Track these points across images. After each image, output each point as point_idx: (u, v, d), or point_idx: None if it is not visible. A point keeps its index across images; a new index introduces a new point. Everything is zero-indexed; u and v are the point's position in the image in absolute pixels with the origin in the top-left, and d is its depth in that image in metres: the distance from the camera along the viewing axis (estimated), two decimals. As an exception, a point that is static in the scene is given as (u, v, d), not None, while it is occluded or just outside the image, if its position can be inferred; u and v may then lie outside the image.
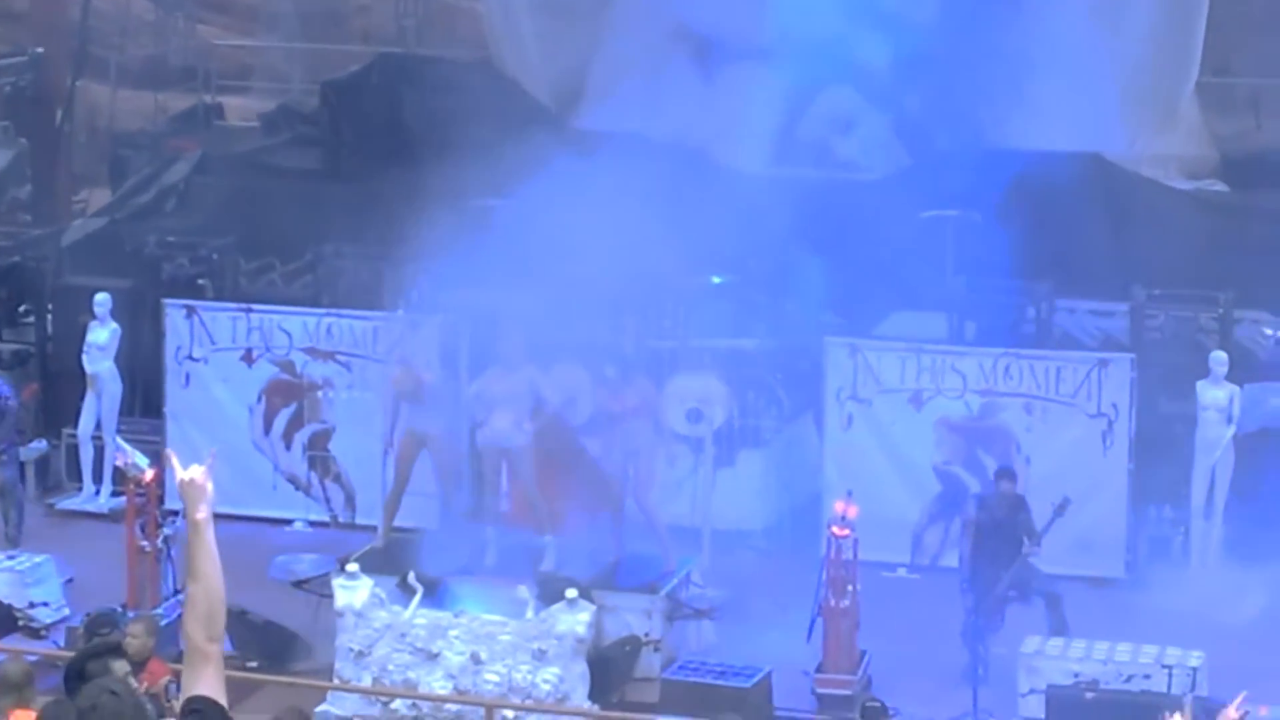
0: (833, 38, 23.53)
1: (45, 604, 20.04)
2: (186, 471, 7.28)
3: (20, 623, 19.32)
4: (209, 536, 7.20)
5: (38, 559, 20.65)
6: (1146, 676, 17.90)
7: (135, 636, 14.87)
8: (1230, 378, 20.86)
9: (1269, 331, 22.11)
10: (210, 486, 7.23)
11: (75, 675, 10.80)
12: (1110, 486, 21.08)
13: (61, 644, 18.42)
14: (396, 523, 20.46)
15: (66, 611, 19.73)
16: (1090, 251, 20.91)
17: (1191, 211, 21.68)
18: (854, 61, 23.89)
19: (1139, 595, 20.37)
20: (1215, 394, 20.81)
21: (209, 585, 7.18)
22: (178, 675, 14.39)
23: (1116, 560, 21.07)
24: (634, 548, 19.50)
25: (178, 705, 9.40)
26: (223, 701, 7.17)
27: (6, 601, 19.16)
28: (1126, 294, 22.14)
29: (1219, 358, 20.86)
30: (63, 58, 30.80)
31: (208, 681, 7.14)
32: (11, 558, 20.47)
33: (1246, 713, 9.30)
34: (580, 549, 19.33)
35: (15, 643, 18.08)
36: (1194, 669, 17.83)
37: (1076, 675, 18.00)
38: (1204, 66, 23.81)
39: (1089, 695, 17.71)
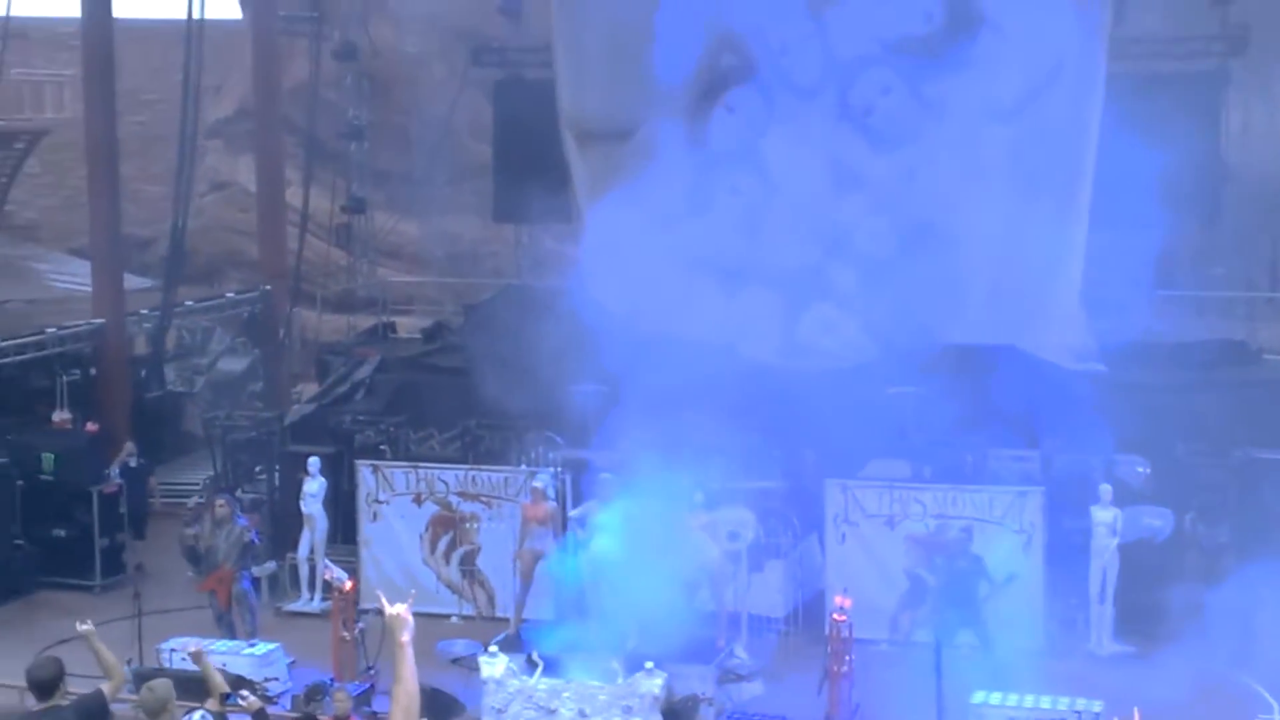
0: (816, 267, 23.50)
1: (276, 679, 19.82)
2: (394, 608, 7.15)
3: (258, 692, 19.09)
4: (409, 654, 7.09)
5: (270, 646, 20.44)
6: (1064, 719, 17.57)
7: (340, 701, 15.03)
8: (1114, 503, 20.60)
9: (1140, 469, 21.76)
10: (411, 619, 7.11)
11: None
12: (1030, 582, 20.74)
13: (287, 708, 18.18)
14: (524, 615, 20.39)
15: (290, 684, 19.49)
16: (1010, 414, 20.48)
17: (1079, 384, 21.36)
18: (832, 283, 23.78)
19: (1054, 661, 19.95)
20: (1103, 515, 20.51)
21: (409, 688, 7.08)
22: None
23: (1037, 634, 20.69)
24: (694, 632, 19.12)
25: None
26: None
27: (249, 677, 18.95)
28: (1037, 444, 21.87)
29: (1105, 489, 20.58)
30: (283, 292, 30.94)
31: None
32: (251, 646, 20.27)
33: None
34: (655, 633, 19.04)
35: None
36: (1097, 713, 17.48)
37: (1012, 719, 17.67)
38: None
39: (1021, 737, 17.36)
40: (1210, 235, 23.86)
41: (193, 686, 12.71)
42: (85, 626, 12.61)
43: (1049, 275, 23.24)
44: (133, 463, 25.89)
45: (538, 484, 20.72)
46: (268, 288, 31.01)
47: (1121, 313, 23.00)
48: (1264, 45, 23.30)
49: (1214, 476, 19.82)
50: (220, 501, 21.50)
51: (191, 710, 9.87)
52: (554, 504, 20.76)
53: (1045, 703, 17.63)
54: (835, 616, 18.23)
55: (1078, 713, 17.24)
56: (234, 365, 31.77)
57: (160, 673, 14.91)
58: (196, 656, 12.91)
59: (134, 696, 11.67)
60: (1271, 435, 20.55)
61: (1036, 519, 20.72)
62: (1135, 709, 7.94)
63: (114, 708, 11.67)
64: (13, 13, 26.80)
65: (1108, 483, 20.70)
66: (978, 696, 17.88)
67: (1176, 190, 22.18)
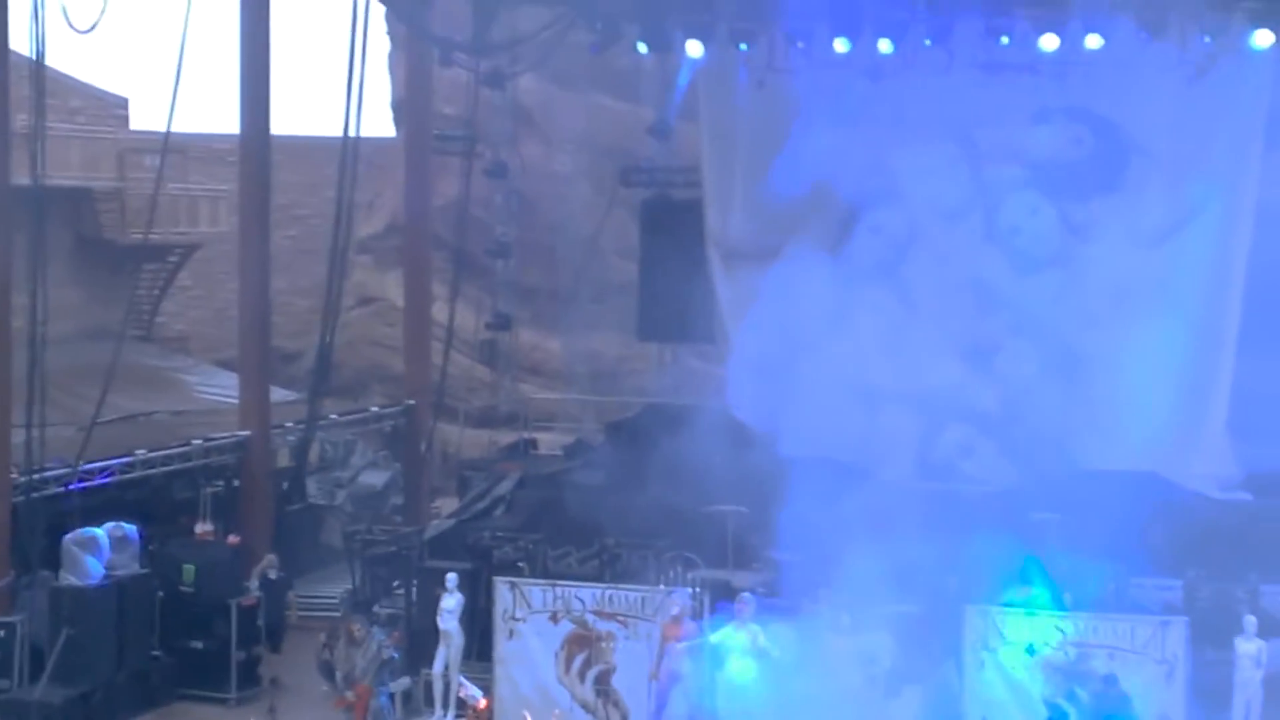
0: (956, 385, 23.60)
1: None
2: None
3: None
4: None
5: (406, 761, 20.90)
6: None
7: None
8: (1259, 634, 20.49)
9: (1287, 600, 21.72)
10: None
11: None
12: (1173, 714, 20.51)
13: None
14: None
15: None
16: (1153, 543, 20.44)
17: (1224, 513, 21.33)
18: (971, 404, 23.84)
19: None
20: (1247, 647, 20.42)
21: None
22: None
23: (1184, 770, 20.59)
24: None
25: None
26: None
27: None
28: (1181, 573, 21.85)
29: (1250, 620, 20.50)
30: (426, 407, 31.43)
31: None
32: (386, 764, 20.69)
33: None
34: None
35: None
36: None
37: None
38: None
39: None
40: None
41: None
42: None
43: (1194, 402, 23.24)
44: (273, 575, 26.43)
45: (676, 606, 20.85)
46: (411, 402, 31.50)
47: (1268, 440, 22.97)
48: None
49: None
50: (355, 624, 21.98)
51: None
52: (694, 624, 20.87)
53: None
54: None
55: None
56: (375, 479, 32.21)
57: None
58: None
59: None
60: None
61: (1179, 649, 20.51)
62: None
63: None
64: (173, 129, 27.68)
65: (1253, 614, 20.61)
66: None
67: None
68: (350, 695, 22.00)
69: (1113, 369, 23.04)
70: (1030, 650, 20.46)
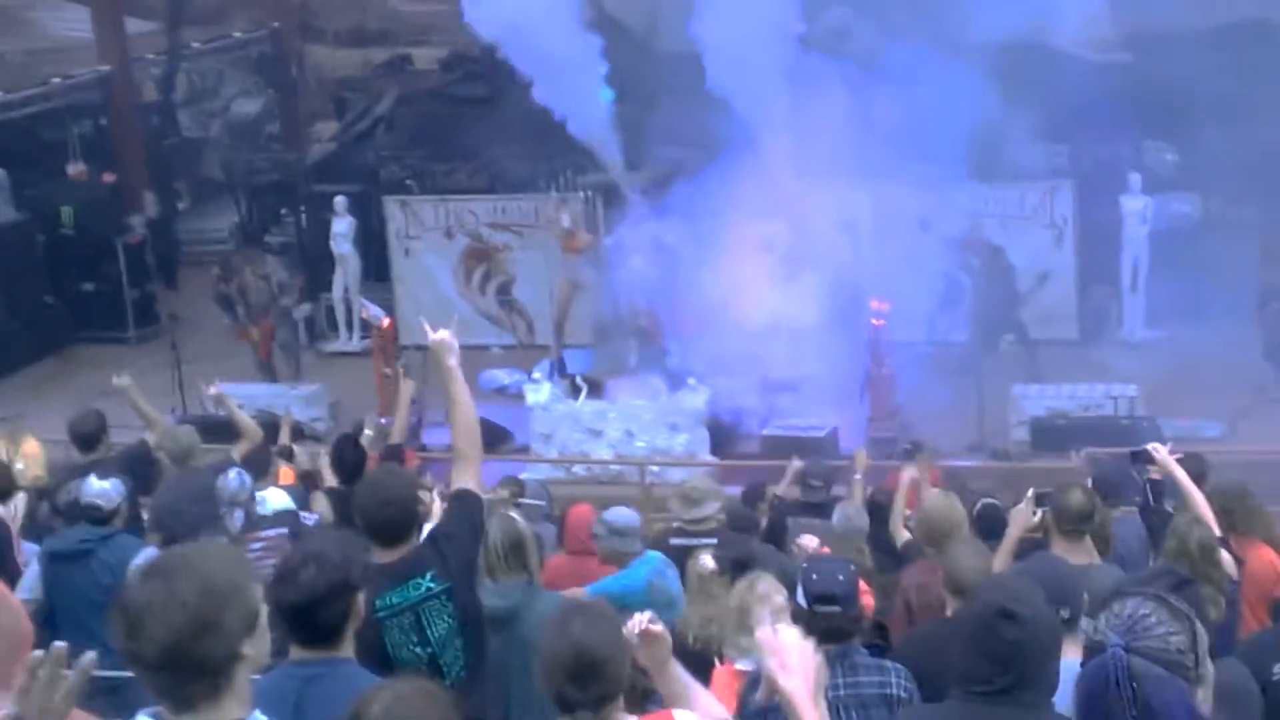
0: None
1: (320, 419, 20.72)
2: (437, 334, 7.17)
3: (306, 433, 19.31)
4: (459, 377, 7.13)
5: (313, 387, 21.37)
6: (1100, 406, 18.51)
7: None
8: (1143, 191, 21.16)
9: (1168, 157, 22.35)
10: (455, 343, 7.16)
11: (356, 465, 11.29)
12: (1063, 274, 21.50)
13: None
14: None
15: (333, 424, 20.17)
16: (1036, 111, 20.76)
17: (1103, 74, 21.61)
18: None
19: (1089, 350, 20.88)
20: (1133, 204, 21.16)
21: (465, 410, 7.11)
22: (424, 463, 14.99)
23: (1072, 326, 21.54)
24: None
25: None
26: (479, 493, 7.10)
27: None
28: (1067, 137, 22.31)
29: (1135, 178, 21.17)
30: (293, 29, 31.03)
31: (469, 477, 7.04)
32: (294, 389, 21.14)
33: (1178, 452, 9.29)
34: (697, 350, 19.80)
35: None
36: (1132, 397, 18.46)
37: (1050, 409, 18.63)
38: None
39: (1060, 422, 18.32)
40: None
41: (229, 433, 12.87)
42: (122, 380, 13.15)
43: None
44: (154, 212, 26.50)
45: (566, 217, 20.98)
46: (275, 25, 31.12)
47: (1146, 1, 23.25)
48: None
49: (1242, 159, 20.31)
50: (252, 257, 22.23)
51: (228, 466, 10.24)
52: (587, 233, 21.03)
53: (1082, 390, 18.63)
54: (873, 320, 19.00)
55: (1114, 398, 18.25)
56: (249, 107, 32.04)
57: (203, 421, 15.63)
58: (218, 399, 13.24)
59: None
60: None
61: (1067, 212, 21.41)
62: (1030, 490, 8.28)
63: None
64: None
65: (1137, 171, 21.29)
66: (1016, 389, 18.88)
67: None
68: (253, 329, 22.34)
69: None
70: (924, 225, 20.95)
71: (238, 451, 11.93)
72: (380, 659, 6.46)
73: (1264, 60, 21.58)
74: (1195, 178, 21.94)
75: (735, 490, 12.64)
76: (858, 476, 12.23)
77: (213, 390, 13.55)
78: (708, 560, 8.82)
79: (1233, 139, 19.87)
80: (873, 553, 10.42)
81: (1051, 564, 6.76)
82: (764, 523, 11.36)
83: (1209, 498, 8.61)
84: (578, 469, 19.07)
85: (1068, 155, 22.28)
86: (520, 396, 20.04)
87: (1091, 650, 4.41)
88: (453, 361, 7.13)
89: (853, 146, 19.52)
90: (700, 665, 8.60)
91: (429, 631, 6.77)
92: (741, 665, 7.21)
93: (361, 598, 5.68)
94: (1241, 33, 23.34)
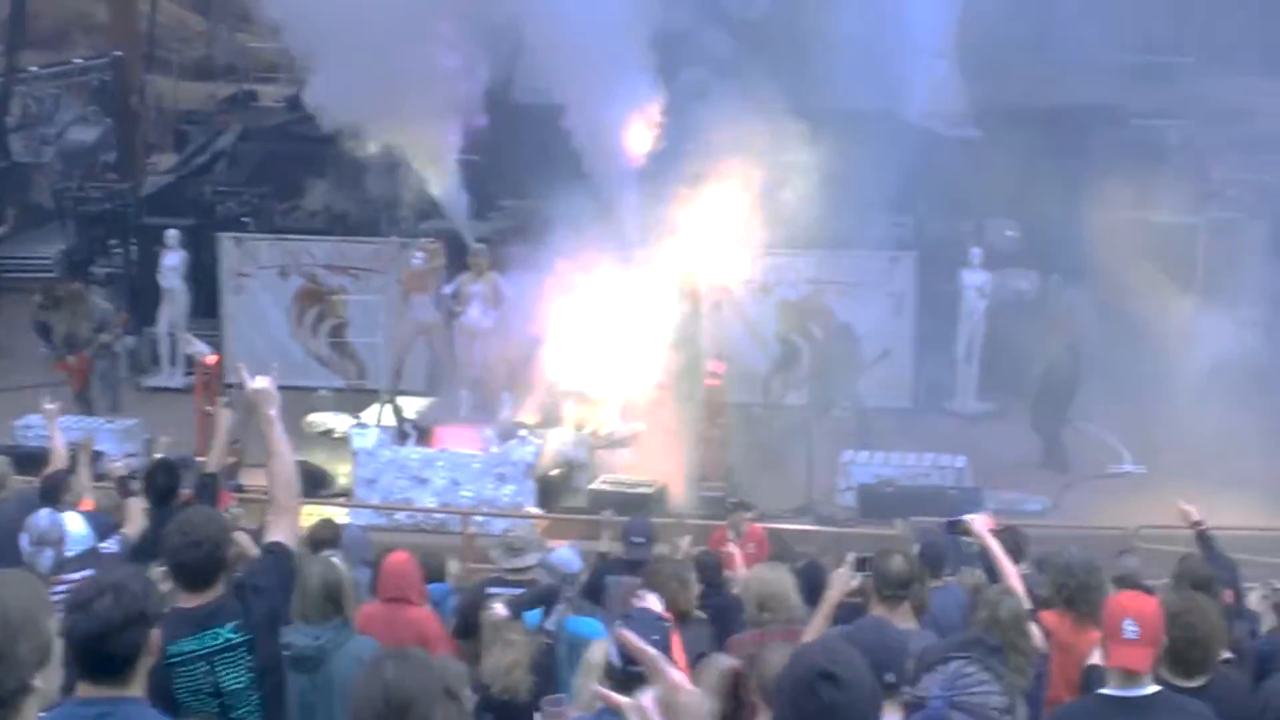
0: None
1: (134, 454, 20.09)
2: (256, 382, 7.08)
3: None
4: (279, 428, 7.03)
5: (130, 421, 20.83)
6: (928, 475, 18.59)
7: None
8: (983, 267, 21.40)
9: (1009, 233, 22.60)
10: (276, 392, 7.07)
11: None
12: (900, 344, 21.63)
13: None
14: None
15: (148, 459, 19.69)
16: (883, 179, 20.95)
17: (952, 149, 21.89)
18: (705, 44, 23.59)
19: (921, 419, 21.02)
20: (973, 278, 21.40)
21: (284, 460, 7.02)
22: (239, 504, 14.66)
23: (906, 395, 21.68)
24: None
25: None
26: (292, 545, 6.98)
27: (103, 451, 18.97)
28: (911, 209, 22.53)
29: (976, 252, 21.41)
30: (136, 58, 30.59)
31: (285, 530, 6.96)
32: (111, 422, 20.66)
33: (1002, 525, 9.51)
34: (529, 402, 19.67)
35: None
36: (960, 468, 18.56)
37: (879, 475, 18.67)
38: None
39: (888, 490, 18.36)
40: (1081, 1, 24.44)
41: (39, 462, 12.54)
42: None
43: (922, 39, 23.52)
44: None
45: (417, 256, 20.82)
46: (118, 53, 30.70)
47: (995, 77, 23.59)
48: None
49: (1081, 239, 20.63)
50: (75, 284, 21.75)
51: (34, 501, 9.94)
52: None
53: (911, 459, 18.73)
54: (708, 381, 18.96)
55: (942, 468, 18.35)
56: (85, 135, 31.41)
57: (12, 451, 15.15)
58: (48, 414, 12.74)
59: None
60: (1138, 197, 21.40)
61: (908, 283, 21.58)
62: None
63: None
64: None
65: (978, 246, 21.52)
66: (846, 455, 18.92)
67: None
68: (71, 359, 21.80)
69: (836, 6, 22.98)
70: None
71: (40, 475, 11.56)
72: (168, 704, 6.25)
73: (1104, 142, 21.98)
74: (1035, 255, 22.13)
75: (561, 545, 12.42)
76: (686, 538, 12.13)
77: (49, 405, 13.17)
78: (499, 607, 8.67)
79: (1073, 219, 20.20)
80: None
81: (878, 629, 6.66)
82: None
83: (1055, 571, 8.65)
84: (400, 517, 18.71)
85: (911, 226, 22.39)
86: (346, 440, 19.69)
87: (912, 707, 4.43)
88: (272, 411, 7.02)
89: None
90: (508, 713, 8.46)
91: (223, 682, 6.58)
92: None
93: (158, 633, 5.47)
94: (1084, 114, 23.76)
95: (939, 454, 18.77)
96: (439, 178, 20.84)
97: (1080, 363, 19.89)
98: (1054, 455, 19.80)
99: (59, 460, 12.01)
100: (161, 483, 10.98)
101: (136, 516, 10.48)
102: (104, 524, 10.63)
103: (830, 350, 20.97)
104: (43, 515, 9.52)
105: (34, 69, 30.78)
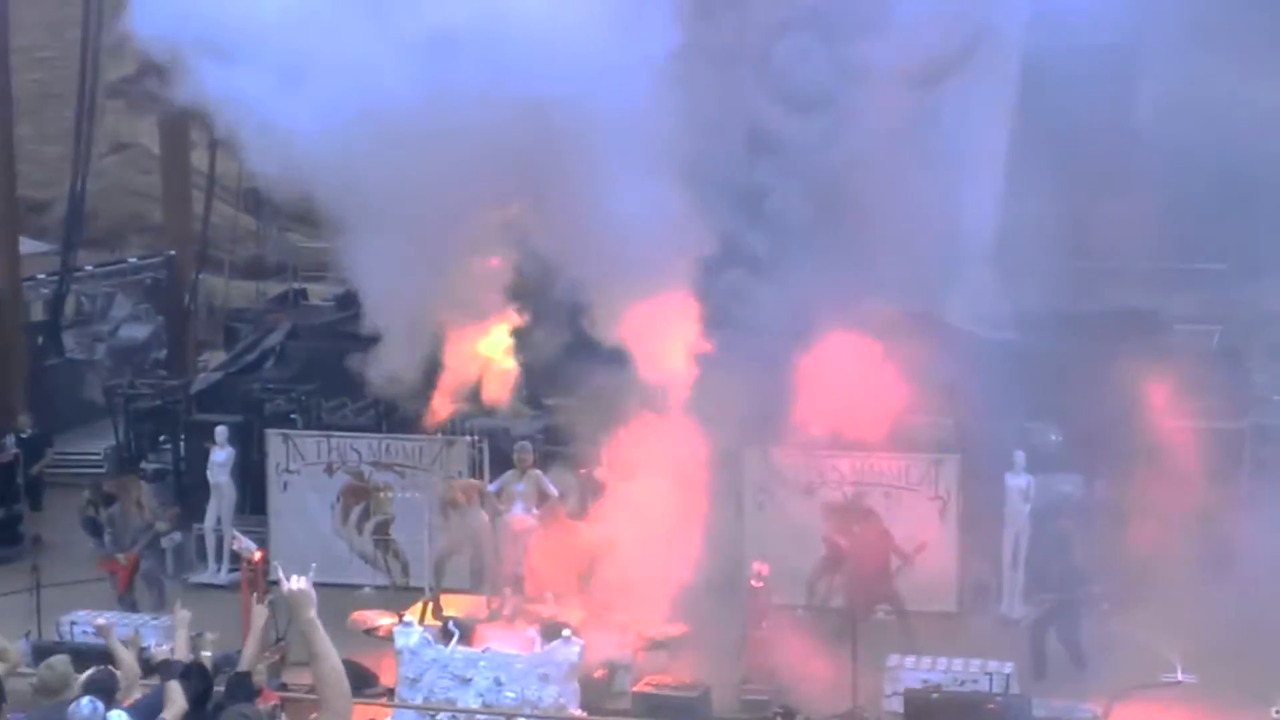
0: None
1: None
2: (293, 582, 7.10)
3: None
4: (319, 628, 7.02)
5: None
6: (975, 681, 18.35)
7: (258, 673, 15.20)
8: (1027, 469, 21.38)
9: (1053, 437, 22.54)
10: (313, 592, 7.07)
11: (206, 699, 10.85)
12: (945, 546, 21.49)
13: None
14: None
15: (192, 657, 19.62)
16: (930, 382, 21.00)
17: (992, 351, 21.94)
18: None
19: (967, 623, 20.86)
20: (1016, 481, 21.37)
21: (331, 663, 7.03)
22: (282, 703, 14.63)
23: (951, 599, 21.54)
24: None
25: None
26: None
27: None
28: (953, 411, 22.43)
29: (1019, 455, 21.40)
30: (189, 258, 31.09)
31: None
32: (156, 619, 20.62)
33: None
34: (573, 602, 19.57)
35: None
36: (1007, 674, 18.32)
37: (925, 681, 18.45)
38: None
39: (935, 696, 18.13)
40: (1124, 206, 24.60)
41: (94, 661, 12.19)
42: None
43: (963, 242, 23.75)
44: (27, 433, 26.08)
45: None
46: (172, 253, 31.15)
47: (1036, 281, 23.70)
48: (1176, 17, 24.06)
49: (1124, 443, 20.59)
50: (129, 482, 21.88)
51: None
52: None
53: (958, 664, 18.50)
54: (753, 582, 18.91)
55: (989, 674, 18.11)
56: (136, 332, 31.86)
57: (59, 647, 15.12)
58: (103, 631, 12.85)
59: (32, 671, 11.53)
60: (1181, 402, 21.35)
61: (952, 485, 21.54)
62: None
63: (12, 684, 11.63)
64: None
65: (1021, 450, 21.49)
66: (892, 659, 18.72)
67: (1091, 162, 23.01)
68: (121, 559, 21.81)
69: (884, 211, 23.28)
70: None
71: (85, 673, 11.47)
72: None
73: (1145, 346, 22.03)
74: (1079, 458, 22.07)
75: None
76: None
77: (100, 621, 13.23)
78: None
79: (1117, 422, 20.16)
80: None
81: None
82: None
83: None
84: (443, 717, 18.52)
85: (954, 428, 22.38)
86: (390, 639, 19.57)
87: None
88: (311, 613, 7.02)
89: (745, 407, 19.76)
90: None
91: None
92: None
93: None
94: (1124, 319, 23.84)
95: (986, 659, 18.55)
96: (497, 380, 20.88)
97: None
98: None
99: (130, 675, 11.85)
100: (198, 687, 10.92)
101: (177, 699, 10.43)
102: (149, 705, 10.60)
103: (871, 552, 20.81)
104: (84, 704, 9.57)
105: (89, 267, 31.18)
